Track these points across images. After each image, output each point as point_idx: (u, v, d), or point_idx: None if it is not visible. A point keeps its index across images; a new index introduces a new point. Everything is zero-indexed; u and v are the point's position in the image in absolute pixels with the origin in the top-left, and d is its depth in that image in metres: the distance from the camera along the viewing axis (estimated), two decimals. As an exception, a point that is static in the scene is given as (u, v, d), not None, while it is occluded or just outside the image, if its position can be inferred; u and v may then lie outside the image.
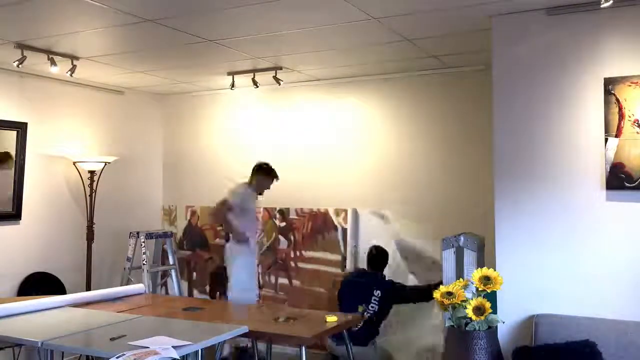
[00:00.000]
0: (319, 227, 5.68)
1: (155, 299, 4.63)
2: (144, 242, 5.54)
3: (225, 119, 6.22)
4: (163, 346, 2.87)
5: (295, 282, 5.74)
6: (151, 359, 2.72)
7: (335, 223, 5.59)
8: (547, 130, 3.40)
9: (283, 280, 5.82)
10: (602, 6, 3.13)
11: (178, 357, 2.85)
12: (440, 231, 4.33)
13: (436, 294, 3.15)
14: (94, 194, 5.50)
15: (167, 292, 6.18)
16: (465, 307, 3.03)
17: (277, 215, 5.88)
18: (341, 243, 5.55)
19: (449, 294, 3.10)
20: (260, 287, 5.85)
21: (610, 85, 3.22)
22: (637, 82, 3.16)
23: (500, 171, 3.52)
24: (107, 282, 5.70)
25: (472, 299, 3.06)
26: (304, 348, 3.28)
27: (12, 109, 5.02)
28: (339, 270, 5.54)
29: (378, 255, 4.78)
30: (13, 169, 4.98)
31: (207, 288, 6.21)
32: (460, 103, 5.04)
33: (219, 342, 3.47)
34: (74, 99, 5.60)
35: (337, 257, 5.57)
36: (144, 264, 5.49)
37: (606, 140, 3.22)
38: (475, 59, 4.67)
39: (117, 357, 2.71)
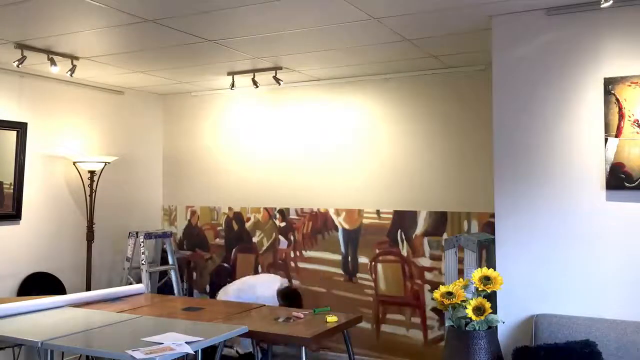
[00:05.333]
0: (319, 227, 5.68)
1: (155, 299, 4.63)
2: (142, 242, 5.55)
3: (225, 119, 6.22)
4: (177, 342, 2.89)
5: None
6: (165, 354, 2.74)
7: (336, 223, 5.60)
8: (547, 130, 3.40)
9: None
10: (602, 6, 3.13)
11: (192, 352, 2.88)
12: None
13: (436, 294, 3.15)
14: (94, 194, 5.50)
15: (167, 292, 6.18)
16: (465, 307, 3.03)
17: (277, 215, 5.89)
18: (341, 243, 5.56)
19: (449, 294, 3.10)
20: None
21: (610, 85, 3.22)
22: (637, 82, 3.16)
23: (500, 171, 3.53)
24: (107, 282, 5.71)
25: (472, 299, 3.06)
26: (303, 348, 3.28)
27: (12, 109, 5.02)
28: (339, 270, 5.55)
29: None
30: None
31: (207, 288, 6.21)
32: (460, 103, 5.04)
33: (220, 342, 3.48)
34: (74, 99, 5.60)
35: (337, 257, 5.58)
36: (142, 264, 5.50)
37: (606, 140, 3.22)
38: (475, 59, 4.67)
39: (132, 351, 2.73)
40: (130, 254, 5.58)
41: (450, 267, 3.98)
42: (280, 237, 5.87)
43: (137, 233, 5.60)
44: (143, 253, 5.51)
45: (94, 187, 5.50)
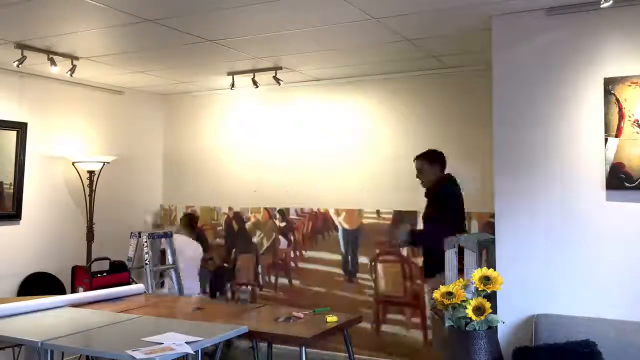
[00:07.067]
0: (319, 227, 5.68)
1: (155, 299, 4.62)
2: (146, 242, 5.52)
3: (225, 119, 6.22)
4: (177, 342, 2.89)
5: (295, 282, 5.75)
6: (165, 354, 2.74)
7: (336, 223, 5.60)
8: (547, 130, 3.40)
9: (283, 280, 5.82)
10: (602, 6, 3.13)
11: (192, 352, 2.88)
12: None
13: (436, 294, 3.15)
14: (93, 193, 5.50)
15: (167, 292, 6.18)
16: (465, 307, 3.03)
17: (277, 215, 5.89)
18: (341, 243, 5.56)
19: (449, 294, 3.09)
20: (260, 287, 5.91)
21: (610, 85, 3.22)
22: (637, 82, 3.16)
23: (500, 171, 3.52)
24: (107, 282, 5.70)
25: (472, 299, 3.06)
26: (304, 348, 3.28)
27: (12, 109, 5.02)
28: (339, 270, 5.55)
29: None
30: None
31: (207, 288, 6.21)
32: (460, 103, 5.04)
33: (220, 342, 3.49)
34: (74, 99, 5.60)
35: (337, 257, 5.58)
36: (146, 264, 5.48)
37: (606, 140, 3.22)
38: (475, 59, 4.66)
39: (132, 351, 2.73)
40: (132, 254, 5.57)
41: (450, 267, 3.97)
42: (280, 237, 5.87)
43: (139, 233, 5.59)
44: (147, 253, 5.49)
45: (94, 187, 5.50)
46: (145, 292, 4.70)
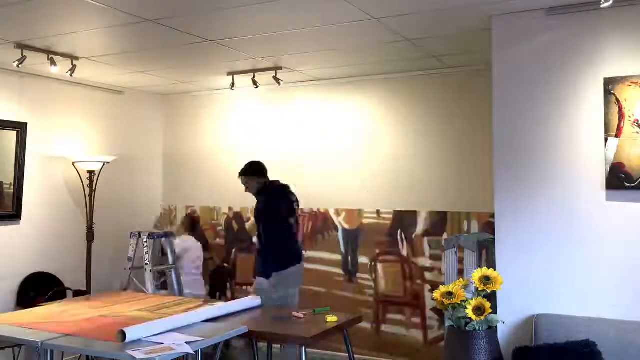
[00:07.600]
0: (319, 227, 5.68)
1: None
2: (146, 242, 5.53)
3: (225, 119, 6.22)
4: (177, 342, 2.90)
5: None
6: (165, 354, 2.74)
7: (336, 223, 5.60)
8: (547, 130, 3.40)
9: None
10: (602, 6, 3.13)
11: (192, 352, 2.89)
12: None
13: (436, 294, 3.15)
14: (93, 193, 5.50)
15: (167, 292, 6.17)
16: (465, 307, 3.03)
17: (277, 215, 5.87)
18: (341, 243, 5.56)
19: (449, 294, 3.10)
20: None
21: (610, 85, 3.22)
22: (637, 82, 3.16)
23: (500, 171, 3.52)
24: (107, 282, 5.70)
25: (472, 299, 3.06)
26: (304, 348, 3.28)
27: (12, 109, 5.02)
28: (339, 270, 5.54)
29: None
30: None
31: (207, 288, 6.20)
32: (460, 103, 5.04)
33: (220, 342, 3.48)
34: (74, 99, 5.60)
35: (337, 257, 5.58)
36: (146, 264, 5.48)
37: (606, 140, 3.22)
38: (475, 59, 4.67)
39: (132, 351, 2.73)
40: (132, 254, 5.57)
41: (450, 267, 3.98)
42: (280, 237, 5.85)
43: (139, 233, 5.59)
44: (147, 253, 5.49)
45: (94, 187, 5.50)
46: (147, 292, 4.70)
